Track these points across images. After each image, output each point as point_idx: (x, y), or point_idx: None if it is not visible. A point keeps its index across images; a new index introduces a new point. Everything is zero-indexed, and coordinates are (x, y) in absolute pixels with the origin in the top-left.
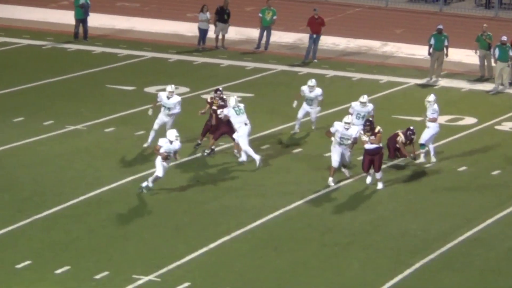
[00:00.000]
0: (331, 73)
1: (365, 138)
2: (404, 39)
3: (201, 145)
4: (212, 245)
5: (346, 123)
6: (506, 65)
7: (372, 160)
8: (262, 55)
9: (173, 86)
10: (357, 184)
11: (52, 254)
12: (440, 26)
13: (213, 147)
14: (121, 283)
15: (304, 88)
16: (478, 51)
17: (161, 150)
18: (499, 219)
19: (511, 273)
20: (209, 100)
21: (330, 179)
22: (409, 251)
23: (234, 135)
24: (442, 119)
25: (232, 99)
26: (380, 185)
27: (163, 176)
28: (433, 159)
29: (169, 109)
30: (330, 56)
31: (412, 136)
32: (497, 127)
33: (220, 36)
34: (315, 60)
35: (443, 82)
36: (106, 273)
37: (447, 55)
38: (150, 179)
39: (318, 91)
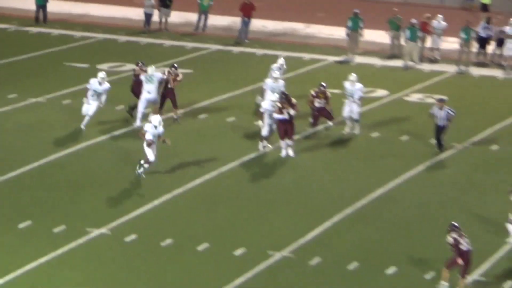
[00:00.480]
0: (260, 51)
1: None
2: (325, 21)
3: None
4: (156, 202)
5: (273, 101)
6: (415, 44)
7: (286, 128)
8: (200, 36)
9: (104, 73)
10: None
11: (15, 210)
12: (356, 10)
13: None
14: (76, 236)
15: (268, 81)
16: (389, 32)
17: (147, 135)
18: (407, 179)
19: (418, 226)
20: (166, 75)
21: (261, 144)
22: (328, 206)
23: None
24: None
25: (150, 68)
26: (291, 152)
27: (155, 159)
28: (357, 131)
29: (98, 94)
30: (260, 37)
31: (322, 88)
32: (406, 98)
33: (163, 20)
34: (246, 41)
35: (359, 59)
36: (63, 227)
37: (362, 35)
38: (145, 165)
39: (281, 82)
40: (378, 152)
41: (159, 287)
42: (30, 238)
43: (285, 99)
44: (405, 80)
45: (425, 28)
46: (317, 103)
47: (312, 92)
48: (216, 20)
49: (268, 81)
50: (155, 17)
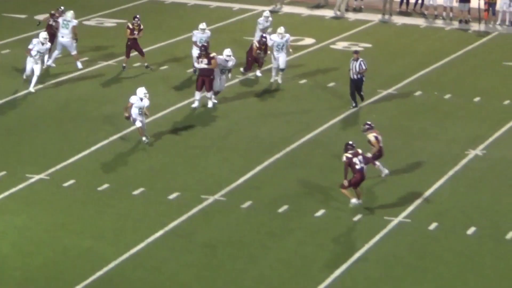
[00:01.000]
0: (192, 2)
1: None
2: None
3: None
4: (93, 148)
5: (227, 55)
6: None
7: (203, 80)
8: None
9: (45, 33)
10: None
11: None
12: None
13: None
14: (16, 181)
15: (196, 32)
16: None
17: (133, 107)
18: (334, 124)
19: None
20: (130, 26)
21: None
22: (259, 152)
23: None
24: None
25: (69, 13)
26: (210, 103)
27: (143, 125)
28: (280, 80)
29: (42, 54)
30: None
31: (264, 40)
32: (332, 46)
33: None
34: None
35: (286, 9)
36: (3, 172)
37: None
38: (142, 136)
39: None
40: (306, 98)
41: (96, 230)
42: None
43: (204, 51)
44: (331, 29)
45: None
46: (257, 54)
47: (256, 44)
48: None
49: (196, 32)
50: None
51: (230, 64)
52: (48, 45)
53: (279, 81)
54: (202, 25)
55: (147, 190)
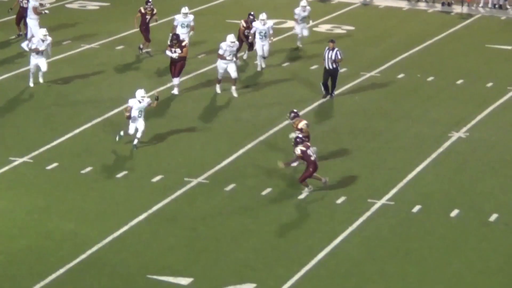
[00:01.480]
0: None
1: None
2: None
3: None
4: (76, 131)
5: (231, 42)
6: None
7: (175, 66)
8: None
9: (45, 29)
10: (201, 85)
11: None
12: None
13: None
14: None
15: (178, 17)
16: None
17: (133, 110)
18: (316, 107)
19: (330, 153)
20: (142, 10)
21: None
22: (242, 135)
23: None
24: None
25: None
26: (175, 90)
27: (132, 133)
28: (264, 65)
29: (42, 52)
30: None
31: (252, 18)
32: (315, 29)
33: None
34: None
35: None
36: None
37: None
38: (121, 132)
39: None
40: (289, 82)
41: (80, 213)
42: None
43: (175, 40)
44: (314, 12)
45: None
46: (246, 32)
47: (243, 23)
48: None
49: (178, 17)
50: None
51: (234, 49)
52: (49, 39)
53: (263, 65)
54: (185, 9)
55: (130, 173)
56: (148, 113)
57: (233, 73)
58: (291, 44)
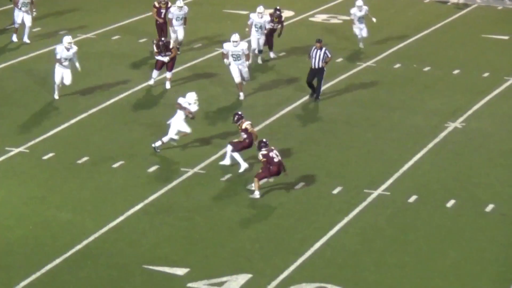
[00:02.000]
0: None
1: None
2: None
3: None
4: (72, 121)
5: (234, 41)
6: None
7: (163, 63)
8: None
9: (70, 37)
10: (196, 75)
11: None
12: None
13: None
14: None
15: (173, 10)
16: None
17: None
18: (297, 105)
19: (324, 141)
20: (156, 5)
21: (241, 94)
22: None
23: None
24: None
25: None
26: (167, 85)
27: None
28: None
29: (70, 60)
30: None
31: (277, 12)
32: (311, 19)
33: None
34: None
35: None
36: None
37: None
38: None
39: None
40: (285, 71)
41: (76, 203)
42: None
43: (163, 47)
44: (311, 1)
45: None
46: (270, 25)
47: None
48: None
49: (173, 10)
50: None
51: (239, 49)
52: (74, 48)
53: (259, 61)
54: (179, 2)
55: (126, 163)
56: (144, 104)
57: (237, 78)
58: (287, 33)
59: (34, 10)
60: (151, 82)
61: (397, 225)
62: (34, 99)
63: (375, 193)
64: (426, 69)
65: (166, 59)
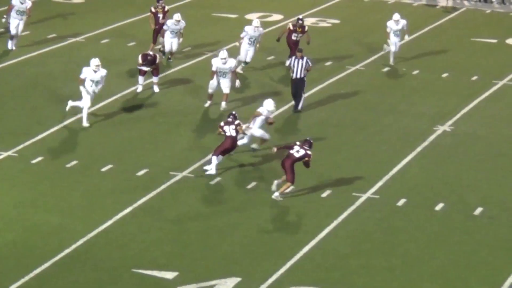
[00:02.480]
0: None
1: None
2: None
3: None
4: (61, 124)
5: (222, 58)
6: None
7: (145, 72)
8: None
9: (97, 59)
10: (185, 79)
11: None
12: None
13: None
14: None
15: (169, 23)
16: None
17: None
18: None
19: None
20: (153, 10)
21: (223, 103)
22: None
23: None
24: (254, 16)
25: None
26: (156, 88)
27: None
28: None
29: (96, 82)
30: None
31: (300, 22)
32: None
33: None
34: None
35: None
36: None
37: None
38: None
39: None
40: (273, 75)
41: (65, 206)
42: None
43: (151, 62)
44: (299, 5)
45: None
46: (294, 37)
47: (290, 26)
48: None
49: (170, 22)
50: None
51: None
52: (103, 72)
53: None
54: (177, 16)
55: (115, 167)
56: (132, 107)
57: (226, 89)
58: (276, 37)
59: (28, 16)
60: (139, 89)
61: (385, 228)
62: (22, 102)
63: (364, 197)
64: (415, 72)
65: (148, 69)
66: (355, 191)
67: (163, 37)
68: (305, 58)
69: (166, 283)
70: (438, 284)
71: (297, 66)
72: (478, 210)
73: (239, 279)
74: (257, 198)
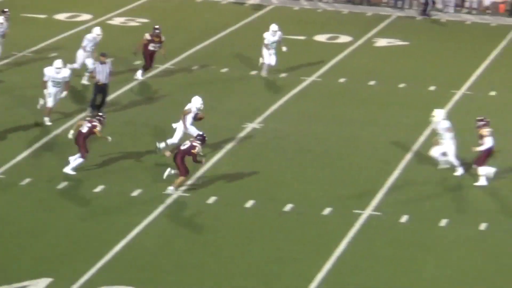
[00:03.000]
0: None
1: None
2: None
3: None
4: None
5: (57, 68)
6: None
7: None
8: None
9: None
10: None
11: None
12: None
13: None
14: None
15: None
16: None
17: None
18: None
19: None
20: (149, 37)
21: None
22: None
23: None
24: (63, 16)
25: None
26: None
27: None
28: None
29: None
30: None
31: (157, 31)
32: (109, 22)
33: None
34: None
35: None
36: None
37: None
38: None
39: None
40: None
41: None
42: None
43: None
44: (109, 4)
45: None
46: (151, 47)
47: (147, 37)
48: None
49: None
50: None
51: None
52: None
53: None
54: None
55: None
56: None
57: (50, 103)
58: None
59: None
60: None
61: (195, 226)
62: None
63: (174, 195)
64: (224, 70)
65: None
66: (166, 189)
67: None
68: (108, 63)
69: None
70: (250, 281)
71: (103, 71)
72: (288, 207)
73: (50, 279)
74: (67, 197)
